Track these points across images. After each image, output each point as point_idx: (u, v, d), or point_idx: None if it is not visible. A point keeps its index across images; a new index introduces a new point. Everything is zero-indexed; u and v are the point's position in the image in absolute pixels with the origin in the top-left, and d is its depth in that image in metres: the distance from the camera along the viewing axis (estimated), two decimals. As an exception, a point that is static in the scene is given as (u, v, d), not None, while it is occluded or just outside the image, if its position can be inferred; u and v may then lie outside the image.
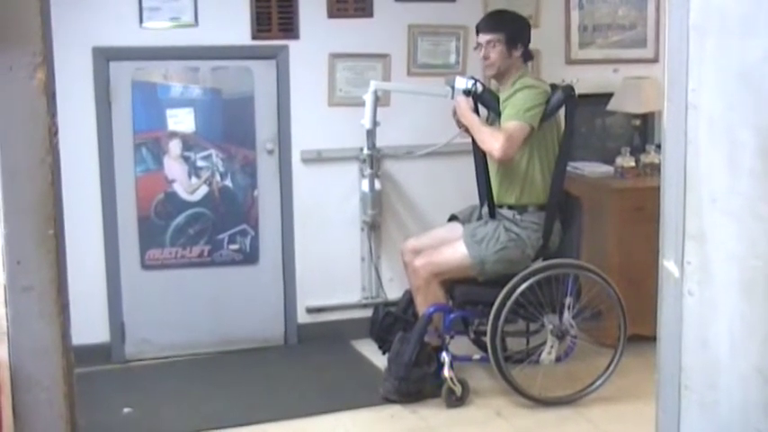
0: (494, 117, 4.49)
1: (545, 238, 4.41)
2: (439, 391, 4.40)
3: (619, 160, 5.29)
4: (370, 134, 4.85)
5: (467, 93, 4.44)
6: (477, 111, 4.46)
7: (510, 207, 4.45)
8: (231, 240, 5.19)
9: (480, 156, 4.52)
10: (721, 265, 2.03)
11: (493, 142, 4.27)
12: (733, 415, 2.02)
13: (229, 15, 5.01)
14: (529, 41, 4.53)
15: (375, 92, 4.70)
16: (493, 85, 4.68)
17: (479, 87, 4.45)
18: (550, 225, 4.42)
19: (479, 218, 4.57)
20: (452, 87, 4.48)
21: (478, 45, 4.50)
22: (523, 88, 4.36)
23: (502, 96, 4.44)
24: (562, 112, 4.47)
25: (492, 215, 4.47)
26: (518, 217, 4.41)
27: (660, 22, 5.67)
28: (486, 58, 4.47)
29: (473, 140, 4.48)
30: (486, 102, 4.48)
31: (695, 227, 2.07)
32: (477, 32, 4.52)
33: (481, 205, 4.61)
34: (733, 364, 2.01)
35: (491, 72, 4.52)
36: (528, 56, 4.55)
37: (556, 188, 4.42)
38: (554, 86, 4.45)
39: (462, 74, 4.95)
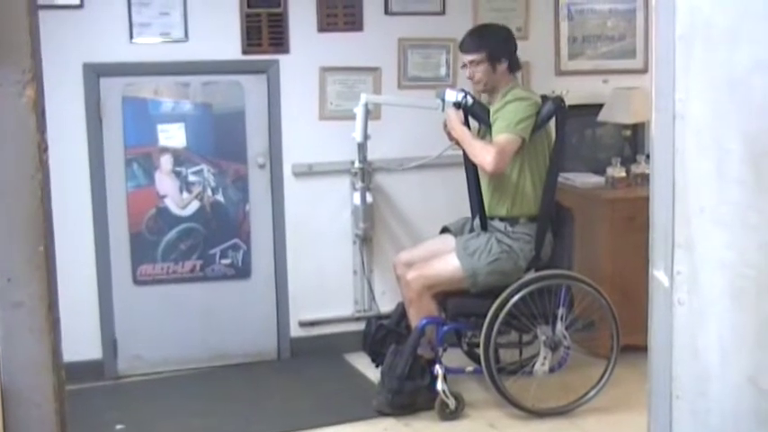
0: (485, 129, 4.50)
1: (537, 249, 4.41)
2: (432, 403, 4.40)
3: (610, 171, 5.30)
4: (362, 147, 4.87)
5: (457, 105, 4.45)
6: (467, 123, 4.48)
7: (502, 219, 4.46)
8: (223, 255, 5.19)
9: (472, 168, 4.53)
10: (711, 274, 2.03)
11: (485, 155, 4.28)
12: (724, 424, 2.02)
13: (219, 30, 5.02)
14: (514, 52, 4.51)
15: (366, 105, 4.71)
16: (483, 97, 4.69)
17: (469, 100, 4.46)
18: (542, 236, 4.43)
19: (471, 230, 4.58)
20: (443, 100, 4.50)
21: (464, 65, 4.52)
22: (514, 100, 4.37)
23: (492, 108, 4.45)
24: (552, 123, 4.48)
25: (484, 227, 4.48)
26: (510, 229, 4.42)
27: (649, 32, 5.68)
28: (471, 77, 4.48)
29: (464, 152, 4.49)
30: (477, 114, 4.49)
31: (684, 236, 2.07)
32: (461, 52, 4.54)
33: (473, 217, 4.61)
34: (724, 373, 2.01)
35: (479, 89, 4.54)
36: (515, 66, 4.54)
37: (547, 199, 4.43)
38: (544, 97, 4.46)
39: (452, 86, 4.97)
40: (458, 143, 4.50)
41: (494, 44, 4.45)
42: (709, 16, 2.00)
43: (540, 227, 4.42)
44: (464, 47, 4.50)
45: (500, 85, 4.47)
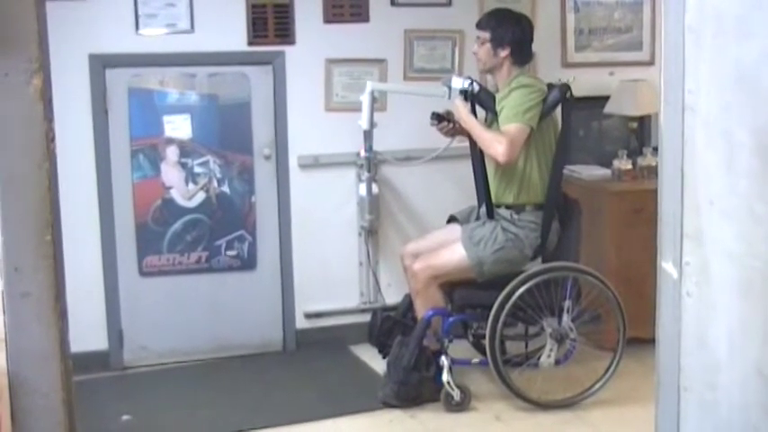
0: (492, 117, 4.48)
1: (543, 237, 4.40)
2: (438, 395, 4.40)
3: (616, 163, 5.29)
4: (368, 135, 4.85)
5: (463, 93, 4.43)
6: (474, 111, 4.46)
7: (508, 207, 4.44)
8: (229, 246, 5.19)
9: (478, 155, 4.52)
10: (719, 265, 2.03)
11: (497, 147, 4.26)
12: (732, 415, 2.02)
13: (225, 21, 5.01)
14: (521, 44, 4.45)
15: (372, 92, 4.69)
16: (490, 83, 4.68)
17: (476, 87, 4.44)
18: (548, 224, 4.42)
19: (478, 218, 4.57)
20: (449, 87, 4.48)
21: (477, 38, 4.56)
22: (518, 87, 4.36)
23: (498, 96, 4.44)
24: (558, 110, 4.46)
25: (490, 215, 4.47)
26: (516, 216, 4.41)
27: (656, 24, 5.68)
28: (474, 52, 4.54)
29: (470, 140, 4.49)
30: (483, 101, 4.47)
31: (693, 228, 2.07)
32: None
33: (479, 205, 4.60)
34: (732, 365, 2.01)
35: (479, 67, 4.56)
36: (521, 59, 4.49)
37: (553, 187, 4.41)
38: (550, 85, 4.45)
39: (459, 74, 4.96)
40: (454, 134, 4.51)
41: (501, 29, 4.43)
42: (719, 7, 2.00)
43: (547, 215, 4.40)
44: (478, 22, 4.57)
45: (502, 69, 4.45)
